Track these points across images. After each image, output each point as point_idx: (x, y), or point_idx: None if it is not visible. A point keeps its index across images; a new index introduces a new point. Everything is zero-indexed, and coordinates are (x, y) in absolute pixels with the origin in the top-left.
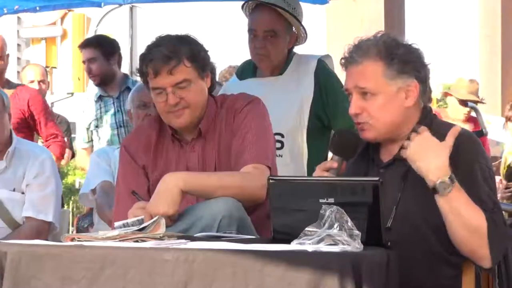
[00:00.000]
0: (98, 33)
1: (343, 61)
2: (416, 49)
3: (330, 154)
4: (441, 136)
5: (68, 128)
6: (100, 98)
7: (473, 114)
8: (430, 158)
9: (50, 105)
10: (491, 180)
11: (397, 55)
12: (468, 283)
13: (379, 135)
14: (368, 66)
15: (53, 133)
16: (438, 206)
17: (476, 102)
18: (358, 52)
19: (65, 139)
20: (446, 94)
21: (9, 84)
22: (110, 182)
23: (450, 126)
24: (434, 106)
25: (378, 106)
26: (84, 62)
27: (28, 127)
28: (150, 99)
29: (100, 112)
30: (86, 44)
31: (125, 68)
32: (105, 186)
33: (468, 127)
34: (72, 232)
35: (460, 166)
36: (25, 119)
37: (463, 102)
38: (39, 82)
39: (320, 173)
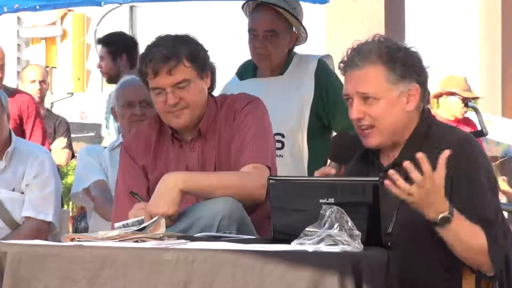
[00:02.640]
0: (98, 33)
1: (342, 65)
2: (415, 52)
3: None
4: (439, 139)
5: (68, 129)
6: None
7: (467, 115)
8: (431, 201)
9: (50, 105)
10: (493, 182)
11: (399, 59)
12: (469, 283)
13: (383, 141)
14: (369, 71)
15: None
16: (440, 234)
17: (475, 98)
18: (358, 57)
19: (65, 139)
20: (449, 94)
21: (8, 90)
22: (104, 180)
23: (449, 128)
24: (434, 106)
25: (381, 111)
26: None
27: (22, 133)
28: (136, 98)
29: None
30: (98, 41)
31: None
32: (100, 184)
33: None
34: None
35: (462, 170)
36: (19, 125)
37: (464, 100)
38: (40, 82)
39: None
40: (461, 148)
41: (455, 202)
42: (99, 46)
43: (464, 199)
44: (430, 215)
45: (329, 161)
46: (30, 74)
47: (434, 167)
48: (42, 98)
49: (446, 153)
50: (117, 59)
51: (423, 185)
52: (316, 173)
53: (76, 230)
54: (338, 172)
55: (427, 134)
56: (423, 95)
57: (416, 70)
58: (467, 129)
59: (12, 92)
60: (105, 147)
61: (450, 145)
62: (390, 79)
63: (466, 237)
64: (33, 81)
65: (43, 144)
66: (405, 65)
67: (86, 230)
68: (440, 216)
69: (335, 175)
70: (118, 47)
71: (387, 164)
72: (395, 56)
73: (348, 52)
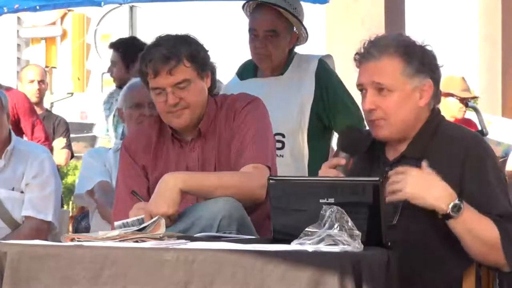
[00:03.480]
0: (98, 33)
1: (357, 56)
2: (430, 50)
3: (331, 154)
4: (448, 137)
5: (67, 129)
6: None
7: (468, 115)
8: (432, 189)
9: (50, 105)
10: (503, 180)
11: (416, 54)
12: (469, 283)
13: (392, 133)
14: (387, 62)
15: (39, 136)
16: (453, 230)
17: (474, 98)
18: (376, 48)
19: (65, 140)
20: (447, 95)
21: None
22: (107, 181)
23: (457, 127)
24: None
25: (394, 103)
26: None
27: (18, 130)
28: (144, 99)
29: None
30: (111, 45)
31: None
32: (104, 185)
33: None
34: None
35: (471, 169)
36: (14, 122)
37: (462, 100)
38: (39, 82)
39: (326, 170)
40: (470, 147)
41: (465, 200)
42: (111, 51)
43: (474, 197)
44: (442, 207)
45: (331, 155)
46: (29, 74)
47: (440, 164)
48: (41, 98)
49: None
50: (129, 65)
51: (402, 178)
52: (325, 165)
53: (76, 230)
54: (347, 163)
55: (436, 132)
56: (436, 92)
57: (432, 67)
58: None
59: (5, 90)
60: (110, 149)
61: (458, 144)
62: (406, 72)
63: (480, 231)
64: (32, 81)
65: (46, 139)
66: (422, 60)
67: (86, 230)
68: (451, 204)
69: (345, 166)
70: (132, 52)
71: (393, 158)
72: (412, 51)
73: (365, 44)
